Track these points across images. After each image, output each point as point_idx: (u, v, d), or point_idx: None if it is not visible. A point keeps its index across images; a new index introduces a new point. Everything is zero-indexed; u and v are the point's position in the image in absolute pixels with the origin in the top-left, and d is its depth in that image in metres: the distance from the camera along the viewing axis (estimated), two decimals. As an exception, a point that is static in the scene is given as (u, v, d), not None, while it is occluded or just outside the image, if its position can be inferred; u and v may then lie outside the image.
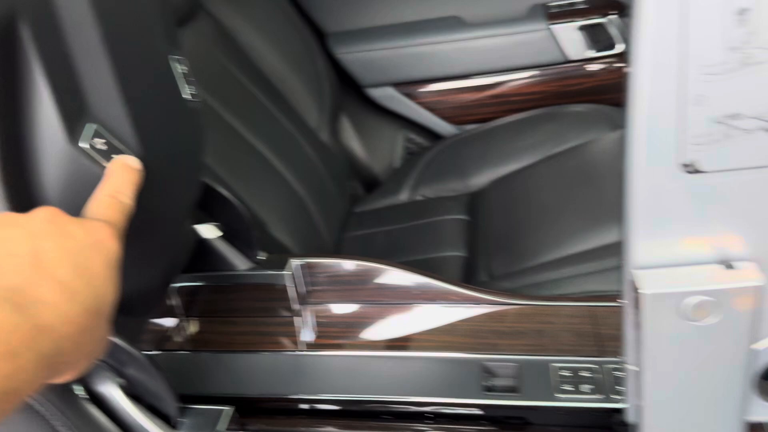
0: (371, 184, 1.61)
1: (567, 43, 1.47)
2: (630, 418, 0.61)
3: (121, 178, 0.52)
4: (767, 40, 0.41)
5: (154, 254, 0.63)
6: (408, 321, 0.82)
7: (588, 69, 1.51)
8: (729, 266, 0.48)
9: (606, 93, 1.48)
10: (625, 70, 0.45)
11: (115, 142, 0.54)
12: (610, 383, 0.67)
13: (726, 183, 0.45)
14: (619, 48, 1.50)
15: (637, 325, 0.49)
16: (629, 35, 0.43)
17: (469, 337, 0.77)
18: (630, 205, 0.47)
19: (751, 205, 0.46)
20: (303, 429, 0.71)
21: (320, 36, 1.59)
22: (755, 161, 0.44)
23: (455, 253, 1.22)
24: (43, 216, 0.45)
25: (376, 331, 0.81)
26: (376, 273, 0.84)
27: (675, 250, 0.48)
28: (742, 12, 0.40)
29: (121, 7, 0.56)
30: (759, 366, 0.52)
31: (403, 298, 0.84)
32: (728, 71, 0.42)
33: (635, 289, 0.48)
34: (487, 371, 0.72)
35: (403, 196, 1.45)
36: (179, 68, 0.65)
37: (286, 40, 1.42)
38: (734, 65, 0.41)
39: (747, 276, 0.47)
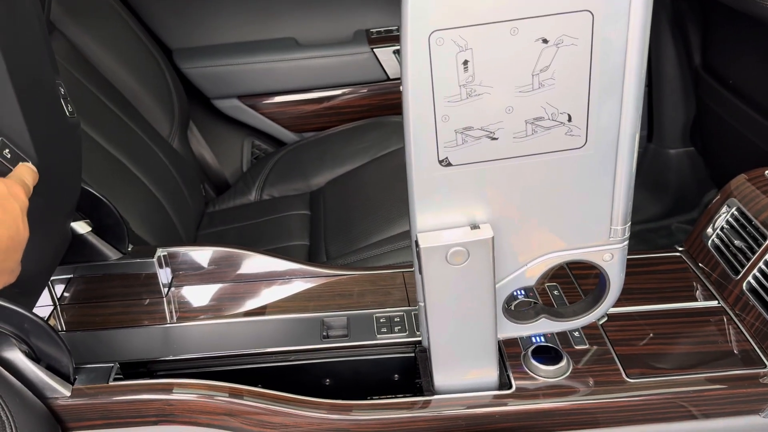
0: (222, 187, 1.76)
1: (386, 63, 1.72)
2: (424, 343, 0.83)
3: (25, 171, 0.67)
4: (482, 79, 0.62)
5: (46, 243, 0.76)
6: (261, 294, 0.99)
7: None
8: (475, 227, 0.69)
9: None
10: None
11: (18, 152, 0.68)
12: (412, 324, 0.90)
13: (468, 172, 0.66)
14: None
15: (420, 270, 0.71)
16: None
17: (311, 302, 0.97)
18: (410, 189, 0.67)
19: (484, 185, 0.67)
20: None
21: (167, 52, 1.70)
22: (484, 157, 0.66)
23: (300, 242, 1.41)
24: None
25: (233, 304, 0.98)
26: (231, 257, 1.01)
27: (441, 218, 0.68)
28: (465, 63, 0.62)
29: (20, 41, 0.69)
30: (503, 297, 0.75)
31: (256, 276, 1.01)
32: (461, 99, 0.64)
33: (417, 245, 0.69)
34: (325, 325, 0.92)
35: (252, 196, 1.61)
36: (61, 90, 0.78)
37: (136, 56, 1.52)
38: (464, 96, 0.63)
39: (483, 233, 0.68)
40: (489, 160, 0.65)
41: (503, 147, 0.64)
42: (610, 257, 0.72)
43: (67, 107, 0.79)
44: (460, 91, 0.62)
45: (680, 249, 1.02)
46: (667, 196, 1.87)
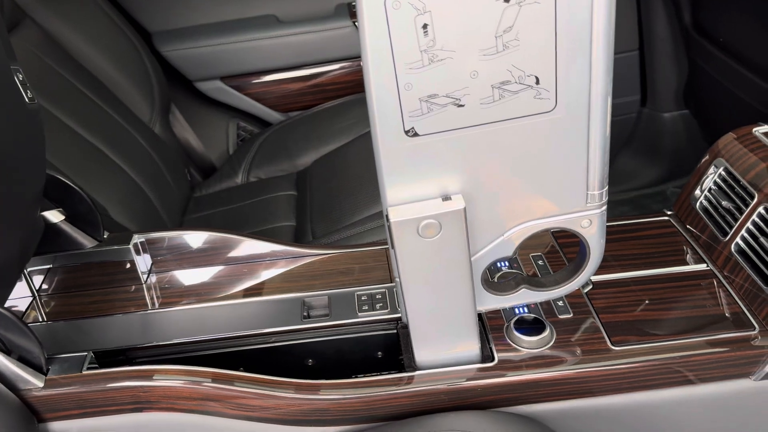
0: (209, 170, 1.74)
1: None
2: (403, 319, 0.82)
3: None
4: (443, 43, 0.60)
5: (10, 233, 0.75)
6: (243, 277, 0.97)
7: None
8: (447, 198, 0.67)
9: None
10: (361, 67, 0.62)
11: (-29, 140, 0.66)
12: (394, 300, 0.88)
13: (436, 141, 0.63)
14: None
15: (392, 245, 0.69)
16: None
17: (293, 283, 0.95)
18: (378, 162, 0.65)
19: (453, 155, 0.65)
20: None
21: (146, 35, 1.68)
22: (451, 125, 0.63)
23: (286, 223, 1.39)
24: None
25: (215, 289, 0.96)
26: (212, 240, 0.99)
27: (411, 190, 0.66)
28: (425, 26, 0.60)
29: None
30: (480, 269, 0.74)
31: (238, 259, 0.99)
32: (423, 66, 0.61)
33: (388, 219, 0.67)
34: (306, 305, 0.90)
35: (239, 179, 1.59)
36: (19, 76, 0.76)
37: (112, 41, 1.50)
38: (426, 61, 0.61)
39: (455, 204, 0.66)
40: (457, 128, 0.63)
41: (470, 114, 0.62)
42: (589, 223, 0.70)
43: (26, 93, 0.77)
44: (422, 56, 0.59)
45: (669, 213, 1.00)
46: (662, 160, 1.85)
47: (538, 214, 0.69)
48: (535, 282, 0.76)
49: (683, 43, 1.67)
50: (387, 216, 0.67)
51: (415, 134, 0.63)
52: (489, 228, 0.70)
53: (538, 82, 0.61)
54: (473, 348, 0.77)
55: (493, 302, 0.77)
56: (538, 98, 0.62)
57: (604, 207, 0.69)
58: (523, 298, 0.76)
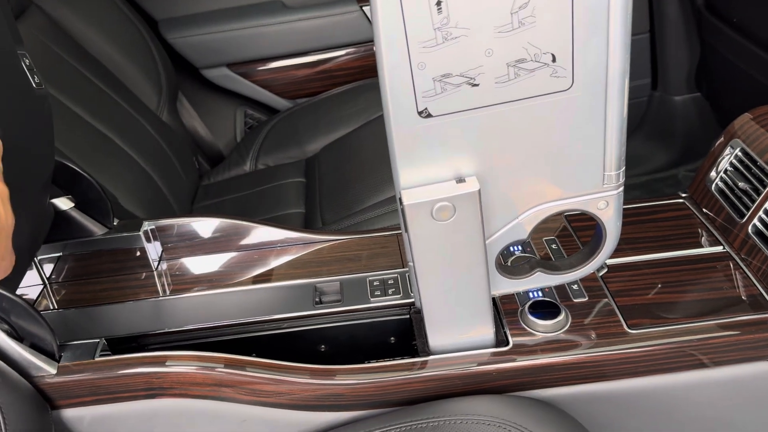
0: (217, 158, 1.73)
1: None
2: (417, 304, 0.81)
3: None
4: (457, 21, 0.59)
5: (20, 220, 0.74)
6: (254, 263, 0.97)
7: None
8: (461, 180, 0.66)
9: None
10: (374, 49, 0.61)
11: (-21, 126, 0.65)
12: (407, 285, 0.87)
13: (450, 122, 0.62)
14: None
15: (406, 229, 0.68)
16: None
17: (304, 269, 0.94)
18: (390, 144, 0.64)
19: (467, 136, 0.64)
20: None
21: (152, 23, 1.67)
22: (465, 105, 0.62)
23: (295, 210, 1.39)
24: None
25: (226, 275, 0.96)
26: (223, 227, 0.98)
27: (425, 173, 0.65)
28: (438, 3, 0.59)
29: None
30: (495, 252, 0.73)
31: (249, 246, 0.99)
32: (437, 44, 0.60)
33: (401, 203, 0.66)
34: (318, 290, 0.89)
35: (247, 167, 1.59)
36: (26, 61, 0.75)
37: (119, 29, 1.49)
38: (439, 40, 0.60)
39: (469, 186, 0.65)
40: (471, 109, 0.61)
41: (485, 93, 0.61)
42: (605, 205, 0.69)
43: (33, 78, 0.76)
44: (435, 34, 0.58)
45: (684, 195, 0.99)
46: (674, 144, 1.83)
47: (554, 196, 0.68)
48: (550, 265, 0.75)
49: (695, 24, 1.65)
50: (400, 199, 0.66)
51: (429, 115, 0.62)
52: (504, 211, 0.69)
53: (554, 60, 0.60)
54: (488, 332, 0.76)
55: (507, 286, 0.76)
56: (554, 77, 0.61)
57: (621, 188, 0.68)
58: (538, 281, 0.75)
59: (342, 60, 1.72)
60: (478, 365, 0.75)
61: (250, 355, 0.78)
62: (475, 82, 0.60)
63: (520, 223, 0.70)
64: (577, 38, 0.59)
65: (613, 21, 0.58)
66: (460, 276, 0.71)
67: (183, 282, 0.94)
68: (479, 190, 0.65)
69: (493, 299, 0.80)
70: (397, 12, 0.57)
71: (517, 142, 0.64)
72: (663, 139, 1.83)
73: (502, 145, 0.64)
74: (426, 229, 0.67)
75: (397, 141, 0.63)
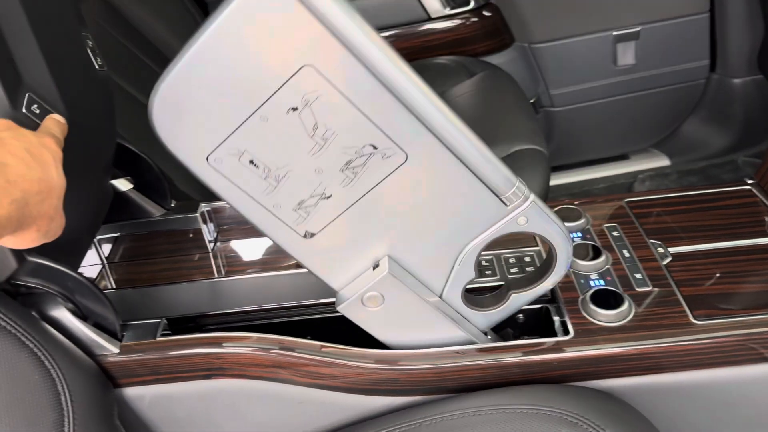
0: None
1: (427, 2, 1.65)
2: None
3: (53, 123, 0.65)
4: (275, 166, 0.61)
5: (81, 200, 0.75)
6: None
7: (447, 25, 1.69)
8: (376, 266, 0.68)
9: (463, 45, 1.67)
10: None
11: (46, 106, 0.66)
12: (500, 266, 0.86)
13: (333, 230, 0.65)
14: (473, 3, 1.69)
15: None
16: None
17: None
18: (306, 267, 0.69)
19: (356, 232, 0.66)
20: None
21: (202, 4, 1.67)
22: (334, 214, 0.65)
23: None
24: (2, 124, 0.60)
25: (280, 257, 0.96)
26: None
27: (346, 272, 0.69)
28: (251, 162, 0.62)
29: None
30: (456, 301, 0.73)
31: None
32: (275, 189, 0.63)
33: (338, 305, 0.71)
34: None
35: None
36: (89, 42, 0.76)
37: (171, 10, 1.50)
38: (274, 184, 0.62)
39: (381, 270, 0.68)
40: (341, 213, 0.65)
41: (342, 198, 0.64)
42: (525, 220, 0.66)
43: (95, 60, 0.77)
44: (268, 184, 0.62)
45: (750, 182, 0.95)
46: (733, 128, 1.76)
47: (470, 237, 0.67)
48: (521, 282, 0.74)
49: (759, 3, 1.58)
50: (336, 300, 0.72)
51: (312, 234, 0.66)
52: (436, 268, 0.70)
53: (376, 147, 0.60)
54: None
55: (497, 316, 0.76)
56: (387, 158, 0.61)
57: (530, 199, 0.65)
58: (516, 303, 0.74)
59: (390, 42, 1.70)
60: (538, 353, 0.73)
61: (304, 337, 0.78)
62: (326, 195, 0.63)
63: (461, 267, 0.69)
64: (377, 121, 0.59)
65: (399, 91, 0.57)
66: (433, 333, 0.74)
67: (237, 264, 0.95)
68: (388, 272, 0.67)
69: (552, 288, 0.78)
70: (226, 183, 0.63)
71: (403, 216, 0.66)
72: (721, 123, 1.77)
73: (392, 224, 0.66)
74: (376, 317, 0.72)
75: (304, 261, 0.69)
